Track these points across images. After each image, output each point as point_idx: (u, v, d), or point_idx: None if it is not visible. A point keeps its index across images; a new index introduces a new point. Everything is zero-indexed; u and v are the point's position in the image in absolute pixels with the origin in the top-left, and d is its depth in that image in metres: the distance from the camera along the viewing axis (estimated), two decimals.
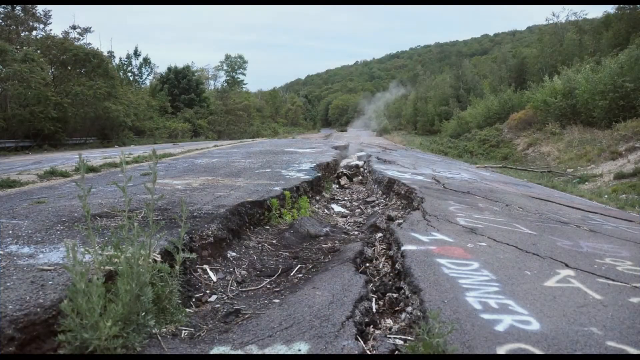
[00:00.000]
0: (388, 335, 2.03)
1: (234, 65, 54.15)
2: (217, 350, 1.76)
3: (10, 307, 1.71)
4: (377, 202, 5.82)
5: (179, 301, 2.10)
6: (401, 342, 1.94)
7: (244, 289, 2.67)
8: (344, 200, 6.34)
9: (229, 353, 1.73)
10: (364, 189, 7.20)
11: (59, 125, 19.38)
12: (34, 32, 24.79)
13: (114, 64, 33.40)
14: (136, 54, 38.80)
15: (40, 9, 24.88)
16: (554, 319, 1.95)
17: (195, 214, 3.49)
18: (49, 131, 18.88)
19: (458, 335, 1.76)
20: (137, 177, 5.77)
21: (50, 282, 1.98)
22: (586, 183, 12.49)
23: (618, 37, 24.84)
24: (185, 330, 1.97)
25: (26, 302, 1.76)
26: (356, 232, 4.21)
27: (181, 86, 37.35)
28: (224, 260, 3.06)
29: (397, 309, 2.35)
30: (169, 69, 38.39)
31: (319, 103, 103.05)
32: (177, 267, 2.10)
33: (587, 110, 18.67)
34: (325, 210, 5.36)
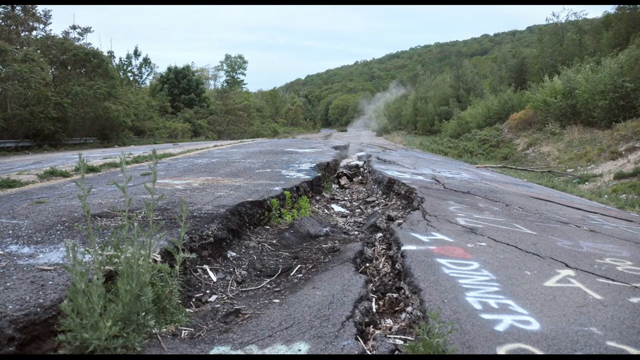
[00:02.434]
0: (388, 335, 2.03)
1: (234, 65, 54.24)
2: (217, 350, 1.76)
3: (10, 307, 1.71)
4: (377, 202, 5.82)
5: (179, 301, 2.10)
6: (401, 342, 1.94)
7: (244, 289, 2.67)
8: (344, 200, 6.33)
9: (229, 353, 1.73)
10: (364, 189, 7.20)
11: (59, 125, 19.36)
12: (34, 32, 24.74)
13: (114, 64, 33.38)
14: (136, 54, 38.82)
15: (40, 9, 24.81)
16: (554, 319, 1.95)
17: (195, 214, 3.49)
18: (49, 131, 18.86)
19: (458, 335, 1.76)
20: (137, 177, 5.77)
21: (50, 282, 1.98)
22: (586, 183, 12.49)
23: (618, 37, 24.83)
24: (185, 330, 1.97)
25: (26, 302, 1.76)
26: (356, 232, 4.21)
27: (181, 86, 37.33)
28: (224, 260, 3.06)
29: (397, 309, 2.35)
30: (169, 69, 38.37)
31: (319, 103, 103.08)
32: (177, 267, 2.10)
33: (587, 110, 18.66)
34: (325, 210, 5.36)
